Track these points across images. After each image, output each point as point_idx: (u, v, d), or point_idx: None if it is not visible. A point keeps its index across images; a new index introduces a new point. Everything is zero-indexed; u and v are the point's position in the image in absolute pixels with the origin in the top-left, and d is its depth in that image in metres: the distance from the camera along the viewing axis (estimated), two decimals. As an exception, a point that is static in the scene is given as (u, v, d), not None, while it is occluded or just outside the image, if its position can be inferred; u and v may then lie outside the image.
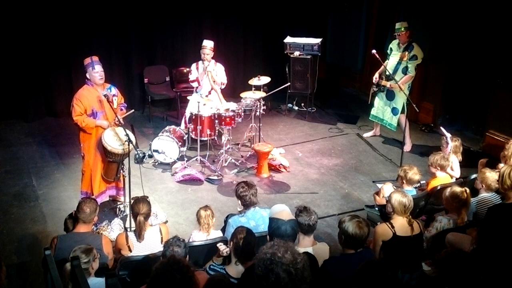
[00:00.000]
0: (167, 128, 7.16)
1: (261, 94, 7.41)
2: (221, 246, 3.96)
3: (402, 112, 7.40)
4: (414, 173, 5.05)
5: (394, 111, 7.48)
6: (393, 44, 7.47)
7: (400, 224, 4.07)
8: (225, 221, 4.74)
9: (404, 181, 5.08)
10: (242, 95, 7.38)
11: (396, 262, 4.06)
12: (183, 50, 9.18)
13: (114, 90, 5.68)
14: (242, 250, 3.61)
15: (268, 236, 3.50)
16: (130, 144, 5.16)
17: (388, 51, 7.52)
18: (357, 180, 6.78)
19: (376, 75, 7.59)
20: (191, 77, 7.39)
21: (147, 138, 7.82)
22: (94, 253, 3.77)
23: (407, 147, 7.47)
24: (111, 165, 5.60)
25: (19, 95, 8.33)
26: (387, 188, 5.15)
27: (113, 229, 5.29)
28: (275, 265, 2.35)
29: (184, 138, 7.17)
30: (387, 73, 7.27)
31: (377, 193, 5.35)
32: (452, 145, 5.74)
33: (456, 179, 5.55)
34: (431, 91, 8.54)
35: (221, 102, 7.29)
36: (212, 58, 7.26)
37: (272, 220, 3.49)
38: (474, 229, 4.32)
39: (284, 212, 3.58)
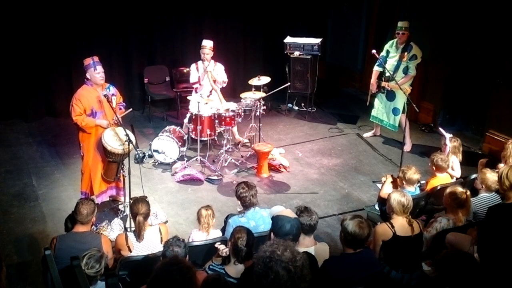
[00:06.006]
0: (167, 128, 7.16)
1: (261, 94, 7.40)
2: (220, 246, 3.96)
3: (403, 112, 7.40)
4: (412, 173, 5.05)
5: (395, 111, 7.47)
6: (390, 46, 7.43)
7: (400, 224, 4.08)
8: (225, 221, 4.75)
9: (404, 182, 5.08)
10: (242, 95, 7.37)
11: (396, 262, 4.07)
12: (183, 50, 9.17)
13: (113, 89, 5.68)
14: (240, 250, 3.62)
15: (271, 234, 3.49)
16: (130, 144, 5.16)
17: (384, 53, 7.46)
18: (357, 180, 6.78)
19: (372, 81, 7.58)
20: (192, 79, 7.38)
21: (147, 138, 7.82)
22: (104, 259, 3.76)
23: (407, 147, 7.47)
24: (111, 165, 5.59)
25: (19, 95, 8.33)
26: (387, 185, 5.17)
27: (113, 229, 5.29)
28: (274, 262, 2.35)
29: (184, 138, 7.17)
30: (387, 74, 7.27)
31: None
32: (450, 146, 5.73)
33: (457, 179, 5.55)
34: (431, 91, 8.54)
35: (221, 102, 7.29)
36: (212, 58, 7.25)
37: (277, 218, 3.48)
38: (474, 229, 4.32)
39: (286, 210, 3.60)
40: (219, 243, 4.03)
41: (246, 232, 3.71)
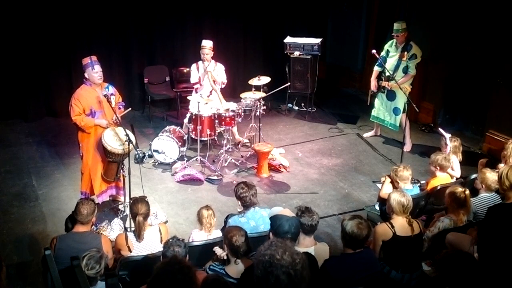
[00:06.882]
0: (167, 128, 7.16)
1: (261, 94, 7.40)
2: (218, 250, 3.96)
3: (403, 111, 7.39)
4: (402, 170, 5.06)
5: (395, 111, 7.47)
6: (389, 46, 7.42)
7: (400, 224, 4.08)
8: (225, 221, 4.74)
9: (399, 181, 5.07)
10: (242, 95, 7.37)
11: (396, 262, 4.07)
12: (183, 50, 9.17)
13: (112, 89, 5.68)
14: (238, 247, 3.61)
15: (270, 233, 3.49)
16: (130, 144, 5.16)
17: (384, 53, 7.45)
18: (357, 180, 6.78)
19: (372, 80, 7.58)
20: (192, 79, 7.37)
21: (147, 138, 7.82)
22: (104, 260, 3.76)
23: (407, 147, 7.47)
24: (111, 165, 5.60)
25: (19, 95, 8.33)
26: (387, 185, 5.17)
27: (113, 229, 5.29)
28: (274, 267, 2.33)
29: (184, 138, 7.17)
30: (387, 73, 7.27)
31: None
32: (451, 145, 5.73)
33: (457, 179, 5.55)
34: (431, 91, 8.53)
35: (221, 102, 7.29)
36: (212, 58, 7.25)
37: (275, 218, 3.48)
38: (474, 229, 4.32)
39: (285, 209, 3.60)
40: (217, 247, 4.01)
41: (237, 229, 3.72)
